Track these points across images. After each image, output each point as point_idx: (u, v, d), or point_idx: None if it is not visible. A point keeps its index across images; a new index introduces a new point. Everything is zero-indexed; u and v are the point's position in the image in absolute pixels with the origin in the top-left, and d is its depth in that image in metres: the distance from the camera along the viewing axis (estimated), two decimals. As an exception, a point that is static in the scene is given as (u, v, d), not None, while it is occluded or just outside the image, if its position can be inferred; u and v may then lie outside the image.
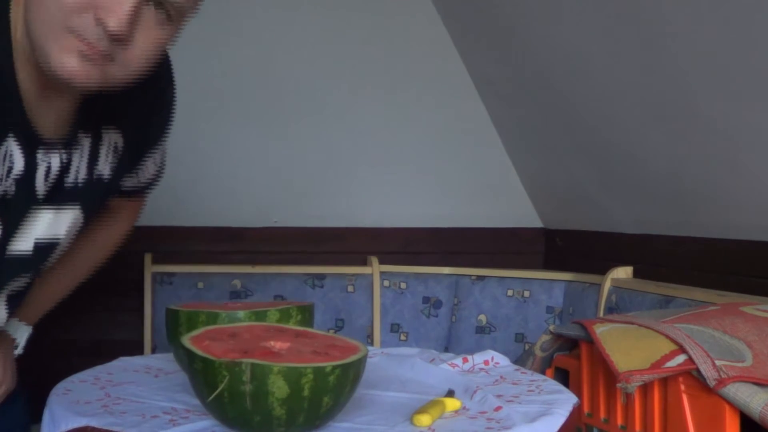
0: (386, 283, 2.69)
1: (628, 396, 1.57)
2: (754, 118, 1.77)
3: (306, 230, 2.84)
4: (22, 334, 1.23)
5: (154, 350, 2.51)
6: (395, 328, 2.68)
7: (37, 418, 1.17)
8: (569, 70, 2.30)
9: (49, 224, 1.03)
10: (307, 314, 1.35)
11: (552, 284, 2.57)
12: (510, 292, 2.64)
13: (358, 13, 2.83)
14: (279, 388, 0.95)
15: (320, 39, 2.80)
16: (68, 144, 0.99)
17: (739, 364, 1.42)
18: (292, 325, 1.27)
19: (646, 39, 1.93)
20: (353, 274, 2.68)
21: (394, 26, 2.86)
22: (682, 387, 1.47)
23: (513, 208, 2.99)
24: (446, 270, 2.74)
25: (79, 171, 1.03)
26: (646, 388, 1.55)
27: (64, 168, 1.00)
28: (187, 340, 1.04)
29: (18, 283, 1.08)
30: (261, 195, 2.80)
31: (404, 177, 2.91)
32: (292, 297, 2.59)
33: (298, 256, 2.76)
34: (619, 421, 1.63)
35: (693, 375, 1.44)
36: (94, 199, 1.09)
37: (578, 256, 2.74)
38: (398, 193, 2.91)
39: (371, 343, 2.60)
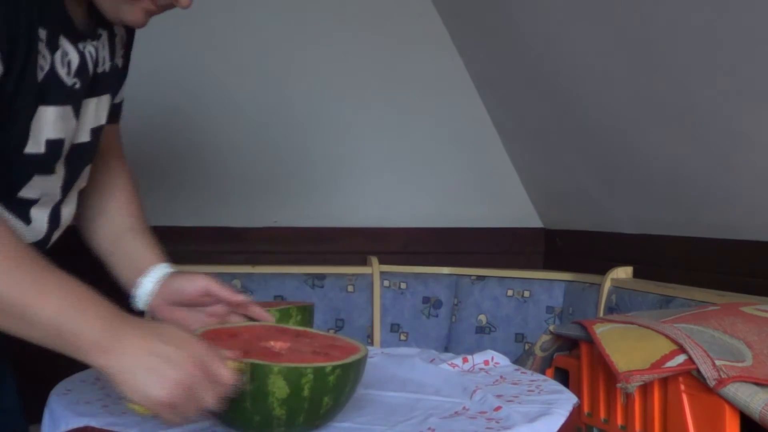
0: (386, 283, 2.69)
1: (628, 396, 1.57)
2: (754, 118, 1.77)
3: (306, 230, 2.84)
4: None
5: (154, 350, 2.51)
6: (395, 328, 2.68)
7: (37, 418, 1.17)
8: (570, 70, 2.30)
9: (95, 113, 1.10)
10: (307, 314, 1.35)
11: (552, 284, 2.57)
12: (510, 292, 2.64)
13: (357, 12, 2.83)
14: (279, 388, 0.95)
15: (320, 39, 2.80)
16: (94, 37, 1.06)
17: (739, 364, 1.42)
18: (292, 325, 1.27)
19: (647, 39, 1.93)
20: (353, 274, 2.68)
21: (394, 26, 2.86)
22: (682, 387, 1.47)
23: (513, 208, 2.99)
24: (446, 270, 2.74)
25: (105, 61, 1.10)
26: (646, 388, 1.55)
27: (96, 58, 1.07)
28: None
29: (82, 180, 1.14)
30: (261, 195, 2.80)
31: (404, 177, 2.91)
32: (292, 297, 2.59)
33: (298, 256, 2.76)
34: (619, 421, 1.63)
35: (693, 375, 1.44)
36: (118, 85, 1.18)
37: (578, 256, 2.74)
38: (398, 193, 2.91)
39: (371, 343, 2.60)
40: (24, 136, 0.96)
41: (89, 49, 1.04)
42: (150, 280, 1.18)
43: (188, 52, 2.64)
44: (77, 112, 1.05)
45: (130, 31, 1.17)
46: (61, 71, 0.98)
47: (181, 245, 2.69)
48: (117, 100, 1.21)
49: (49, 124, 0.99)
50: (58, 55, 0.97)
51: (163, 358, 0.84)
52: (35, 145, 0.98)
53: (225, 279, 2.61)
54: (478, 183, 2.96)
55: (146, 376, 0.83)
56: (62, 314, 0.84)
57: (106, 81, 1.11)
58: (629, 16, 1.94)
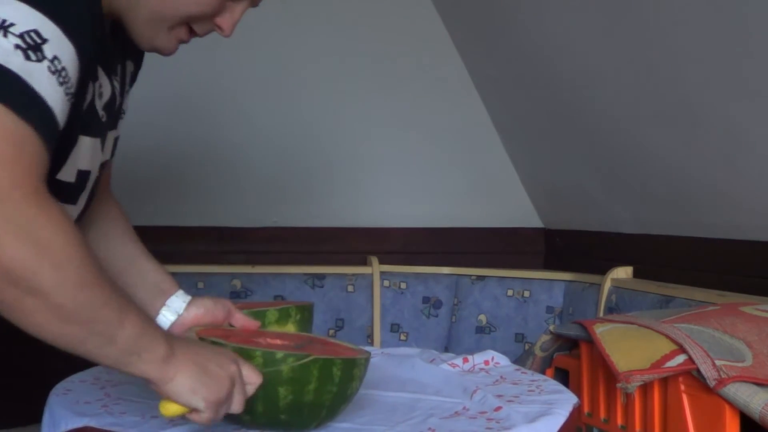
0: (386, 283, 2.69)
1: (628, 396, 1.57)
2: (754, 118, 1.77)
3: (306, 230, 2.84)
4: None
5: (154, 350, 2.50)
6: (395, 328, 2.68)
7: (37, 418, 1.17)
8: (570, 70, 2.31)
9: (108, 145, 1.09)
10: (306, 314, 1.35)
11: (552, 284, 2.57)
12: (510, 292, 2.64)
13: (357, 13, 2.83)
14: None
15: (320, 39, 2.80)
16: (121, 71, 1.06)
17: (739, 364, 1.42)
18: (291, 325, 1.28)
19: (647, 39, 1.93)
20: (353, 274, 2.68)
21: (394, 26, 2.85)
22: (682, 387, 1.47)
23: (513, 208, 2.99)
24: (446, 270, 2.74)
25: (123, 95, 1.11)
26: (646, 388, 1.55)
27: (120, 93, 1.07)
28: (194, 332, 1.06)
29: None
30: (261, 195, 2.80)
31: (404, 177, 2.91)
32: (292, 297, 2.59)
33: (298, 256, 2.76)
34: (619, 421, 1.63)
35: (693, 375, 1.44)
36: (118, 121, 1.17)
37: (578, 256, 2.74)
38: (398, 193, 2.91)
39: (371, 343, 2.60)
40: (60, 164, 0.94)
41: (115, 82, 1.03)
42: (181, 301, 1.20)
43: (190, 53, 2.63)
44: (103, 146, 1.03)
45: (137, 67, 1.16)
46: (97, 102, 0.97)
47: (181, 245, 2.69)
48: (117, 134, 1.20)
49: (84, 155, 0.97)
50: (96, 85, 0.96)
51: (209, 372, 0.90)
52: (68, 174, 0.96)
53: (225, 279, 2.63)
54: (478, 183, 2.96)
55: (197, 381, 0.89)
56: (144, 332, 0.85)
57: (118, 116, 1.10)
58: (629, 16, 1.94)
